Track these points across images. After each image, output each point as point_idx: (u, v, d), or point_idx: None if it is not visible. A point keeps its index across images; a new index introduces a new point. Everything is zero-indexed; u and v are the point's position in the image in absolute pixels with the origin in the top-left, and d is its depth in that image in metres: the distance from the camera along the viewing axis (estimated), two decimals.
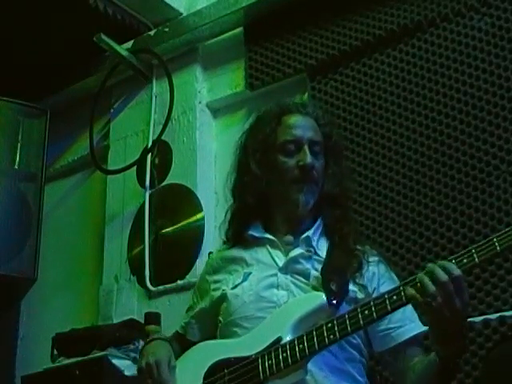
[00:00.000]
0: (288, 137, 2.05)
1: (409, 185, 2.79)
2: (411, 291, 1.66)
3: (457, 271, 1.62)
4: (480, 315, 2.49)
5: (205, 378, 1.90)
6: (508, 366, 2.28)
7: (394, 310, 1.71)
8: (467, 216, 2.62)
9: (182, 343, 2.13)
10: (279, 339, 1.82)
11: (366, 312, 1.71)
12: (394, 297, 1.70)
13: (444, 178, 2.71)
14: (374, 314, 1.71)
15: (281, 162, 2.04)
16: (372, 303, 1.72)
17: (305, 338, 1.77)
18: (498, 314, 2.47)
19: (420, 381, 1.82)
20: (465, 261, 1.64)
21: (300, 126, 2.07)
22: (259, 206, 2.08)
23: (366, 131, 2.95)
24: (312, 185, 2.03)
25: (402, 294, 1.69)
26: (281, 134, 2.07)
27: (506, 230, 1.61)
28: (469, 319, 2.48)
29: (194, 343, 2.09)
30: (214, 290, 2.08)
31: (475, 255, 1.63)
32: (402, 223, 2.76)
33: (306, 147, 2.03)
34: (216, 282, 2.10)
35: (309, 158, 2.01)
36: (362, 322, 1.71)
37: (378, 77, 2.99)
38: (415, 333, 1.91)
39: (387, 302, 1.70)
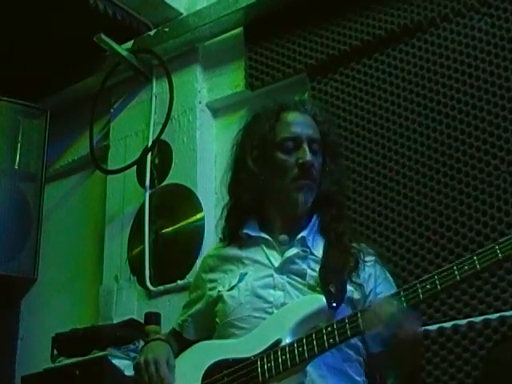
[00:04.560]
0: (287, 134, 2.04)
1: (409, 185, 2.78)
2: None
3: (393, 308, 1.69)
4: (480, 315, 2.49)
5: (204, 379, 1.89)
6: (508, 365, 2.28)
7: None
8: (467, 216, 2.62)
9: (178, 341, 2.13)
10: (278, 341, 1.82)
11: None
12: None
13: (444, 178, 2.71)
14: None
15: (280, 159, 2.02)
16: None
17: (304, 341, 1.77)
18: (498, 314, 2.47)
19: None
20: (466, 267, 1.66)
21: (299, 123, 2.06)
22: (255, 204, 2.07)
23: (366, 131, 2.95)
24: (311, 183, 2.02)
25: (403, 299, 1.71)
26: (279, 131, 2.05)
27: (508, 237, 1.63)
28: (469, 319, 2.50)
29: (190, 341, 2.10)
30: (211, 289, 2.08)
31: (476, 262, 1.64)
32: (402, 223, 2.75)
33: (305, 145, 2.02)
34: (212, 281, 2.09)
35: (308, 156, 2.00)
36: (361, 326, 1.73)
37: (378, 77, 2.99)
38: None
39: None
